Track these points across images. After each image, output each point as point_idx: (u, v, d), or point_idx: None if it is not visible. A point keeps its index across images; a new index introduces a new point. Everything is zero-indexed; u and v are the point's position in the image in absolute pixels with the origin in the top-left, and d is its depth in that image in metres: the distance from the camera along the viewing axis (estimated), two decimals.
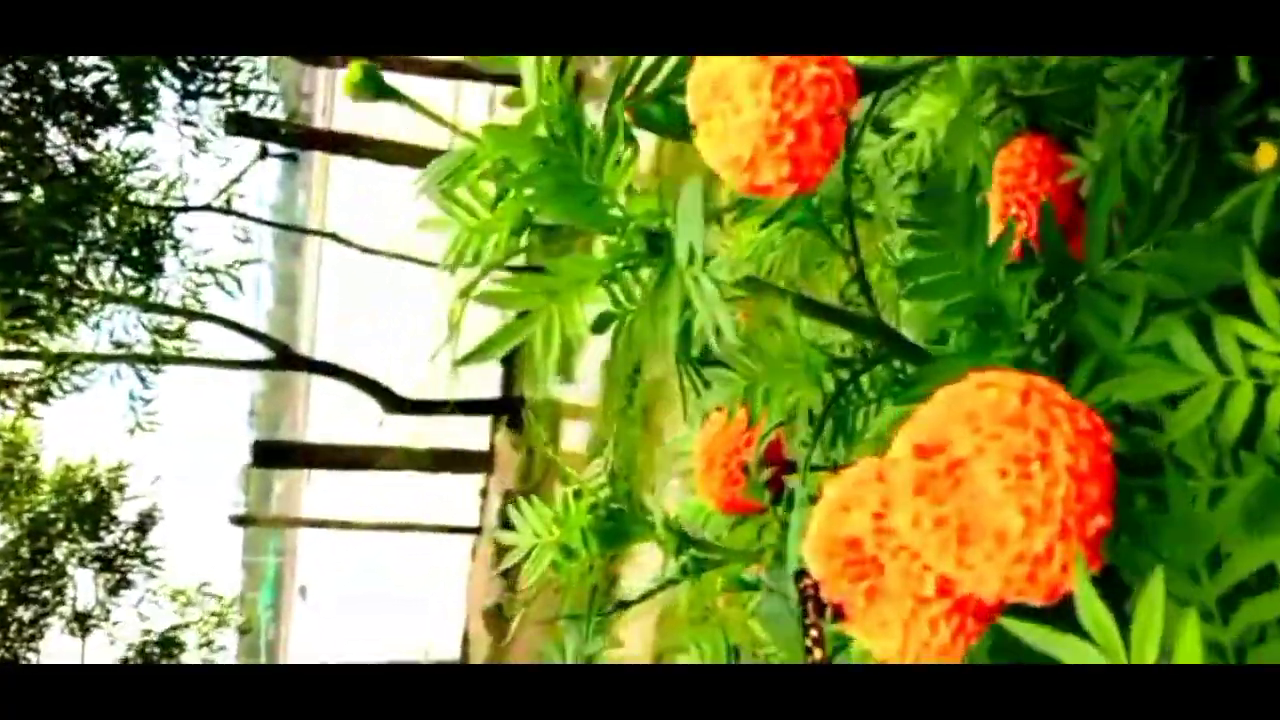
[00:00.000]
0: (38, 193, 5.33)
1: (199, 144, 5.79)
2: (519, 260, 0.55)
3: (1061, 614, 0.40)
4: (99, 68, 5.29)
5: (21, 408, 5.78)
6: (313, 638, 12.16)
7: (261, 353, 6.93)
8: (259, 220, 6.92)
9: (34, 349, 5.58)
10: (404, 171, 6.54)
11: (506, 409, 7.22)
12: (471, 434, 7.24)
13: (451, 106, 7.54)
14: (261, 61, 5.88)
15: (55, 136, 5.44)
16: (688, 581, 0.81)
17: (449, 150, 0.56)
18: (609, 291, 0.62)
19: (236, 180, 6.16)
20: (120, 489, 6.88)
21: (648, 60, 0.50)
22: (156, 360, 5.96)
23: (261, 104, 5.93)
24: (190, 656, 6.88)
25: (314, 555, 12.79)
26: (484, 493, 7.58)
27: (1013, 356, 0.59)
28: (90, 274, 5.68)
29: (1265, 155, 0.61)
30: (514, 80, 0.52)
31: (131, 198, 5.67)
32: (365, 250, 6.64)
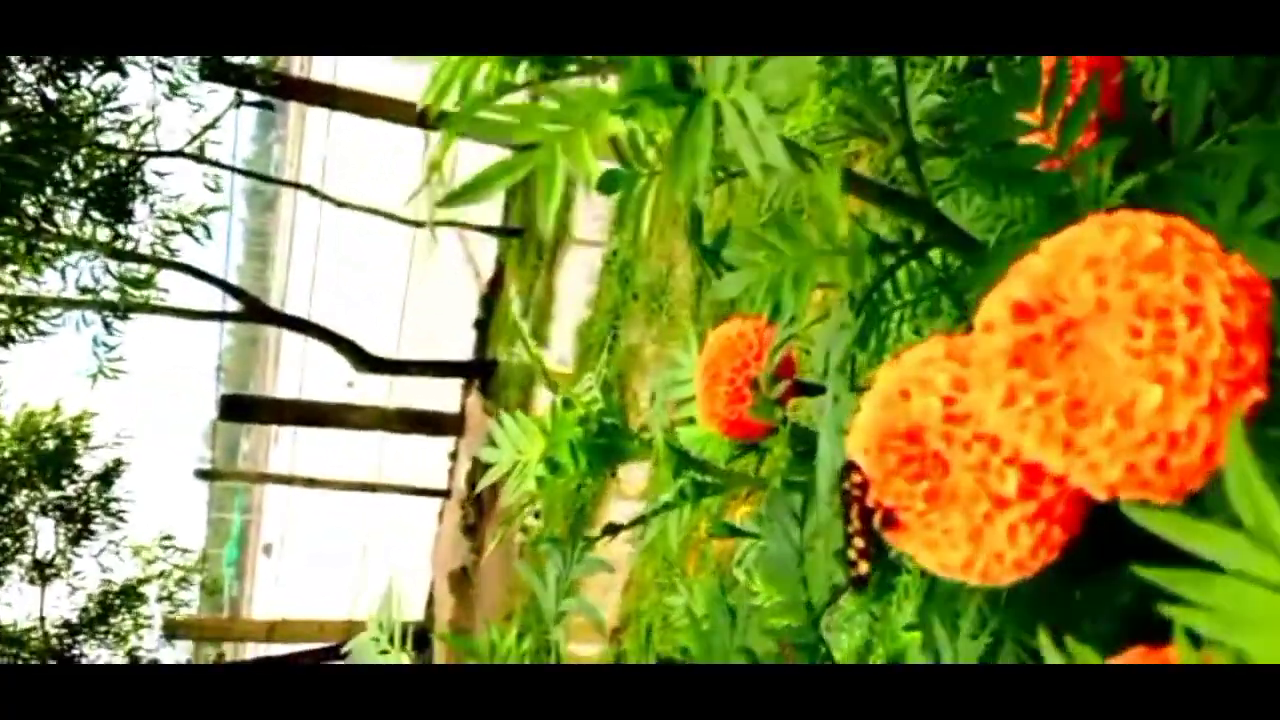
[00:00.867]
0: (4, 129, 5.13)
1: (173, 89, 5.59)
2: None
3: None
4: None
5: None
6: (277, 596, 12.03)
7: (231, 306, 6.76)
8: (232, 169, 6.71)
9: None
10: (382, 126, 6.36)
11: (478, 372, 7.09)
12: (443, 396, 7.12)
13: None
14: None
15: (25, 75, 5.23)
16: (684, 511, 0.72)
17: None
18: (620, 150, 0.52)
19: (210, 127, 5.96)
20: (84, 438, 6.70)
21: None
22: (123, 308, 5.77)
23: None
24: (152, 610, 6.74)
25: (280, 513, 12.61)
26: (453, 456, 7.47)
27: None
28: (58, 217, 5.49)
29: None
30: None
31: (101, 139, 5.47)
32: (340, 204, 6.47)
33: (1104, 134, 0.51)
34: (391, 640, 0.74)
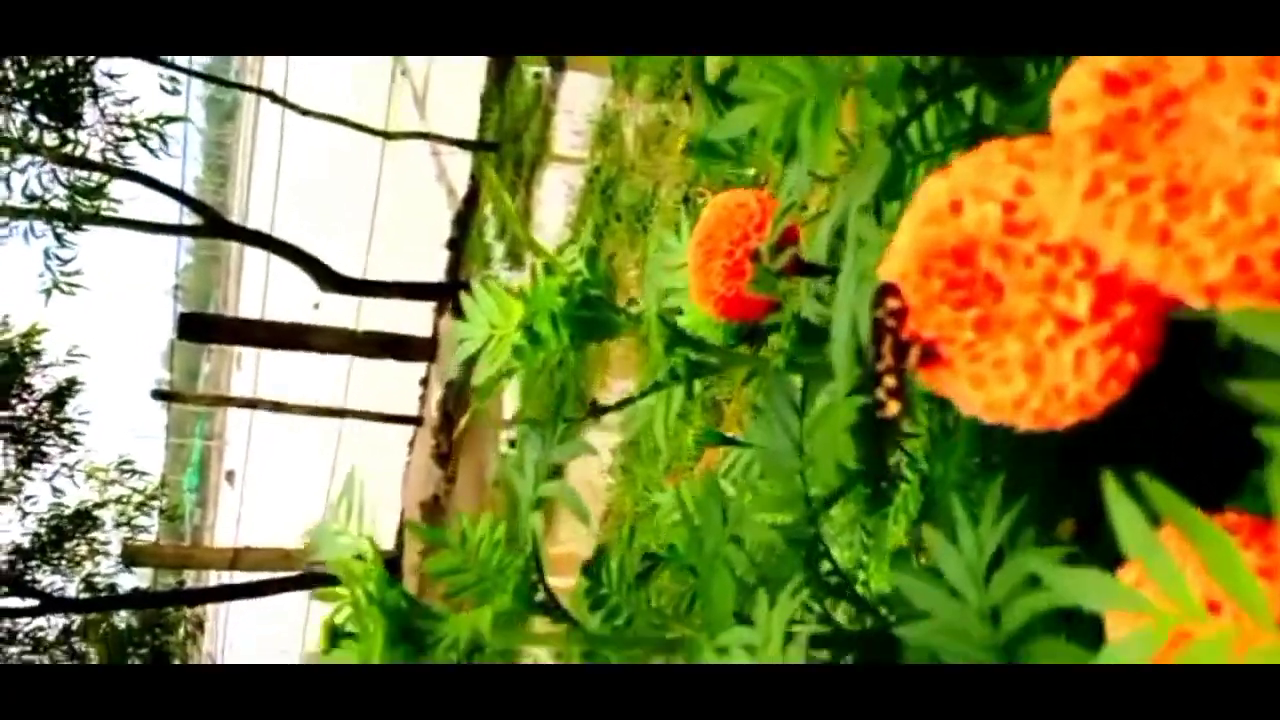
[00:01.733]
0: None
1: None
2: None
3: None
4: None
5: None
6: (239, 524, 12.05)
7: (189, 219, 6.62)
8: (189, 71, 6.51)
9: None
10: None
11: (451, 294, 7.01)
12: (414, 319, 7.05)
13: None
14: None
15: None
16: (673, 395, 0.67)
17: None
18: None
19: None
20: (35, 355, 6.58)
21: None
22: (74, 218, 5.63)
23: None
24: (109, 536, 6.71)
25: (243, 439, 12.56)
26: (424, 382, 7.42)
27: None
28: (0, 119, 5.32)
29: None
30: None
31: None
32: (305, 113, 6.30)
33: None
34: (351, 524, 0.70)
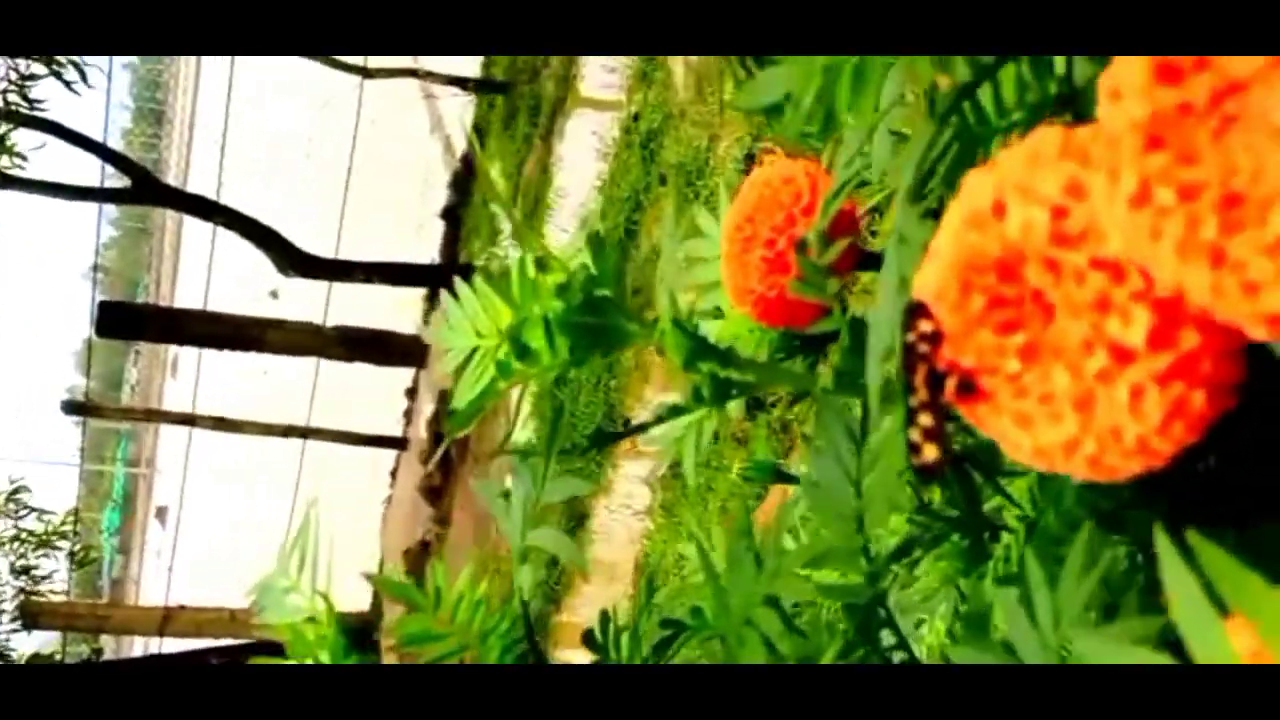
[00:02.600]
0: None
1: None
2: None
3: None
4: None
5: None
6: (173, 577, 12.27)
7: (114, 181, 6.78)
8: None
9: None
10: None
11: (447, 280, 7.10)
12: (398, 312, 7.15)
13: None
14: None
15: None
16: (701, 416, 0.71)
17: None
18: None
19: None
20: None
21: None
22: None
23: None
24: (2, 588, 6.88)
25: (178, 465, 12.80)
26: (411, 393, 7.53)
27: None
28: None
29: None
30: None
31: None
32: None
33: None
34: (303, 580, 0.76)
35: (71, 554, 7.74)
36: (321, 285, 7.16)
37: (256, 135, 11.10)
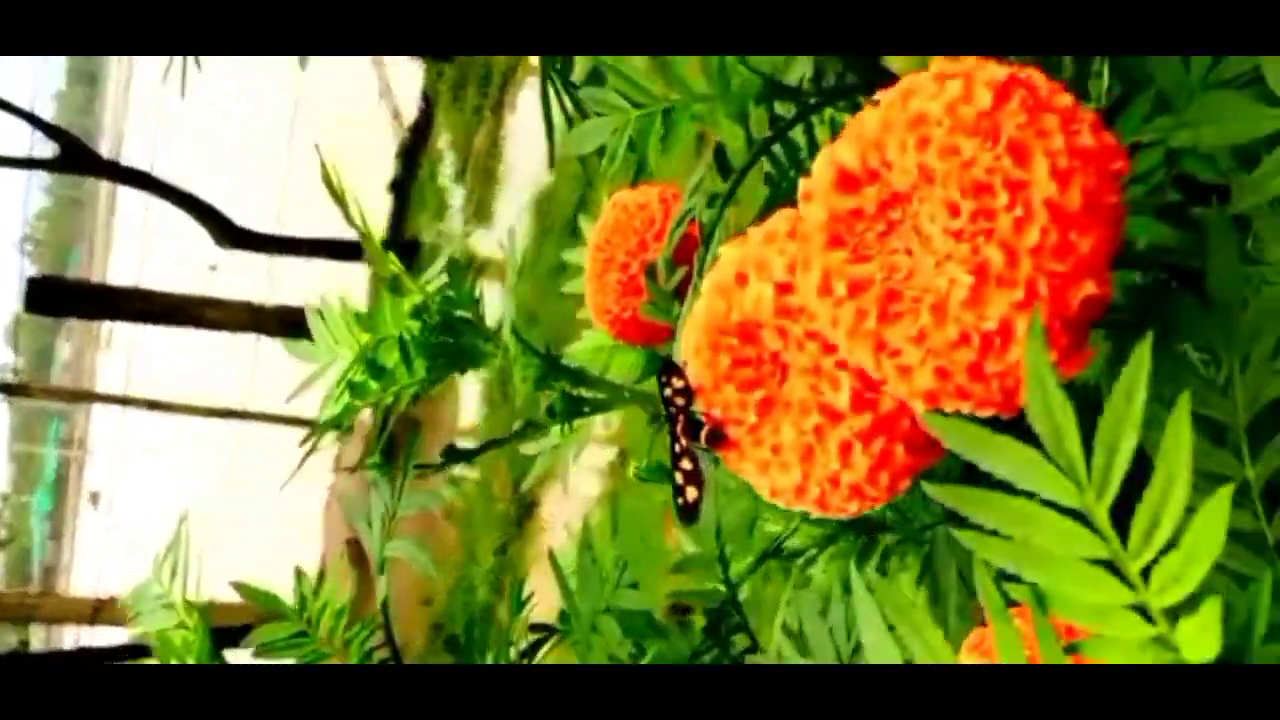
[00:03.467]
0: None
1: None
2: None
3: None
4: None
5: None
6: (106, 563, 12.26)
7: (44, 150, 6.76)
8: None
9: None
10: None
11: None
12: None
13: None
14: None
15: None
16: (556, 432, 0.79)
17: None
18: None
19: None
20: None
21: None
22: None
23: None
24: None
25: (112, 448, 12.78)
26: None
27: None
28: None
29: None
30: None
31: None
32: None
33: None
34: (174, 593, 0.82)
35: (1, 540, 7.75)
36: (265, 261, 7.16)
37: (194, 100, 11.00)
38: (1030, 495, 0.36)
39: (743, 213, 0.73)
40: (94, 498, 13.67)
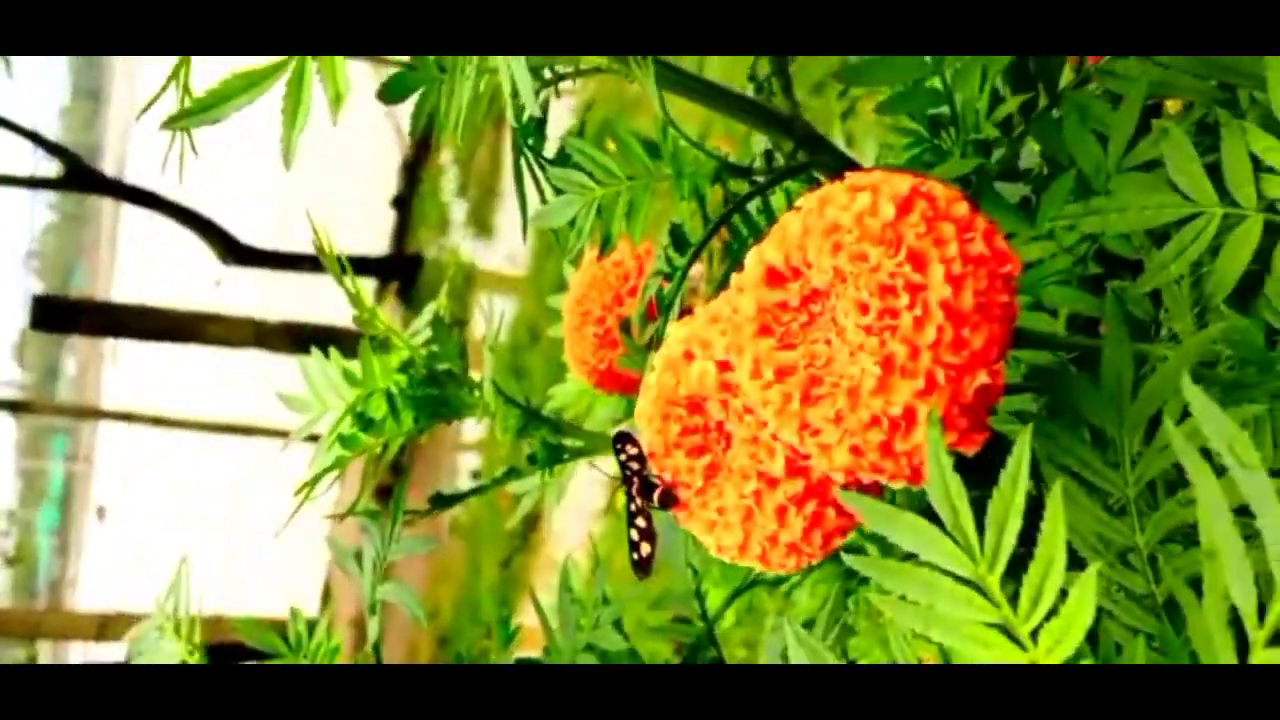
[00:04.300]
0: None
1: None
2: None
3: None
4: None
5: None
6: (112, 578, 12.33)
7: (48, 169, 6.83)
8: None
9: None
10: None
11: (396, 271, 7.21)
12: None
13: None
14: None
15: None
16: (538, 478, 0.83)
17: None
18: None
19: None
20: None
21: None
22: None
23: None
24: None
25: (118, 463, 12.85)
26: None
27: (965, 172, 0.60)
28: None
29: None
30: None
31: None
32: None
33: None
34: (179, 632, 0.87)
35: (6, 558, 7.81)
36: (269, 275, 7.22)
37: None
38: (934, 566, 0.40)
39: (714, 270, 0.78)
40: (100, 512, 13.74)
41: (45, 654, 9.51)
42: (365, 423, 0.78)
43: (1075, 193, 0.58)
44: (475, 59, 0.52)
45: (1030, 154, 0.64)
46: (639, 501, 0.54)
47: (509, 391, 0.78)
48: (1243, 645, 0.35)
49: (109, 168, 10.25)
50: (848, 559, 0.41)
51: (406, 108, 0.72)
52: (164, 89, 0.58)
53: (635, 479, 0.53)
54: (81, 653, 9.04)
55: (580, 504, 4.58)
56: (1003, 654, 0.40)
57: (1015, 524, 0.39)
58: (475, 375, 0.81)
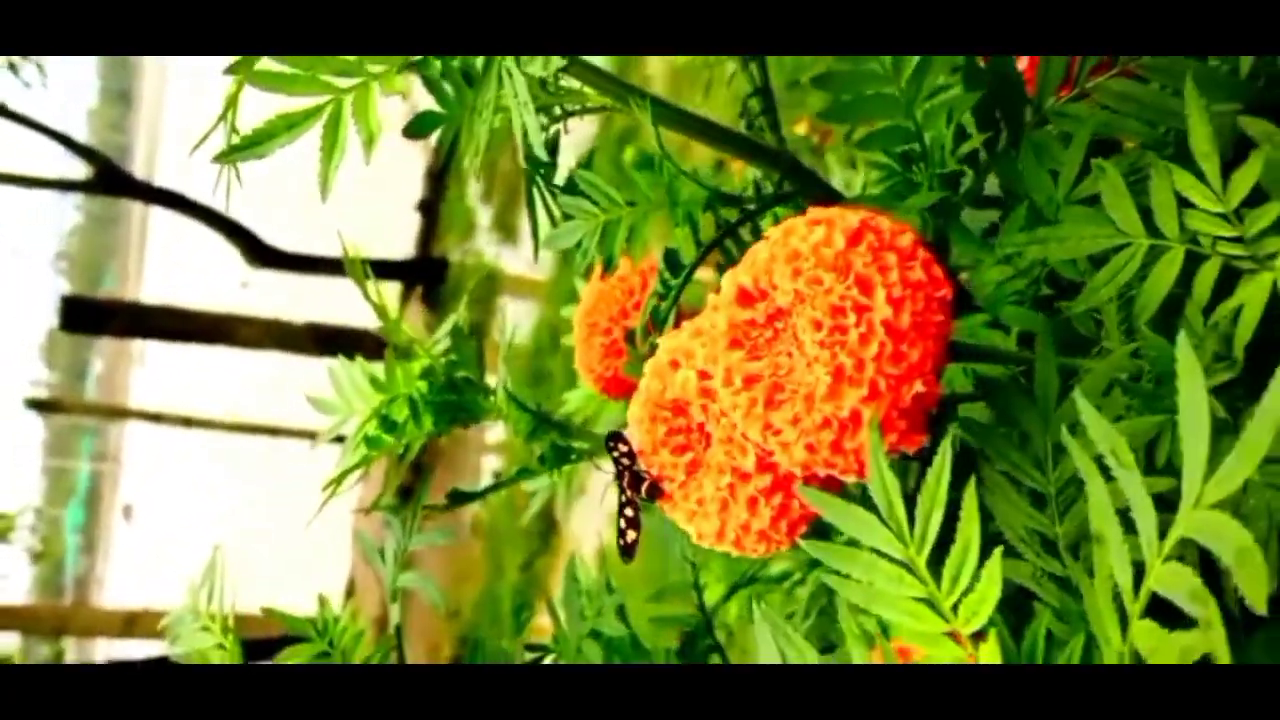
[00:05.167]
0: None
1: None
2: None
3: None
4: None
5: None
6: (139, 576, 12.47)
7: (77, 171, 6.93)
8: None
9: None
10: None
11: (421, 274, 7.30)
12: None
13: None
14: None
15: None
16: (545, 478, 0.90)
17: None
18: (433, 88, 0.70)
19: None
20: None
21: None
22: None
23: None
24: None
25: (145, 462, 13.00)
26: None
27: (930, 204, 0.67)
28: None
29: None
30: None
31: None
32: None
33: (968, 80, 0.68)
34: (214, 620, 0.94)
35: (33, 555, 7.91)
36: (296, 277, 7.31)
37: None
38: (874, 549, 0.47)
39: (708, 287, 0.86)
40: (127, 511, 13.88)
41: (71, 650, 9.63)
42: (388, 425, 0.86)
43: (1029, 222, 0.65)
44: (491, 101, 0.59)
45: (994, 185, 0.71)
46: (628, 493, 0.61)
47: (521, 397, 0.85)
48: (1124, 618, 0.42)
49: (137, 170, 10.38)
50: (804, 544, 0.48)
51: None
52: (214, 128, 0.65)
53: (626, 473, 0.60)
54: (106, 649, 9.15)
55: (600, 509, 4.65)
56: (929, 624, 0.47)
57: (938, 515, 0.45)
58: (492, 380, 0.89)
